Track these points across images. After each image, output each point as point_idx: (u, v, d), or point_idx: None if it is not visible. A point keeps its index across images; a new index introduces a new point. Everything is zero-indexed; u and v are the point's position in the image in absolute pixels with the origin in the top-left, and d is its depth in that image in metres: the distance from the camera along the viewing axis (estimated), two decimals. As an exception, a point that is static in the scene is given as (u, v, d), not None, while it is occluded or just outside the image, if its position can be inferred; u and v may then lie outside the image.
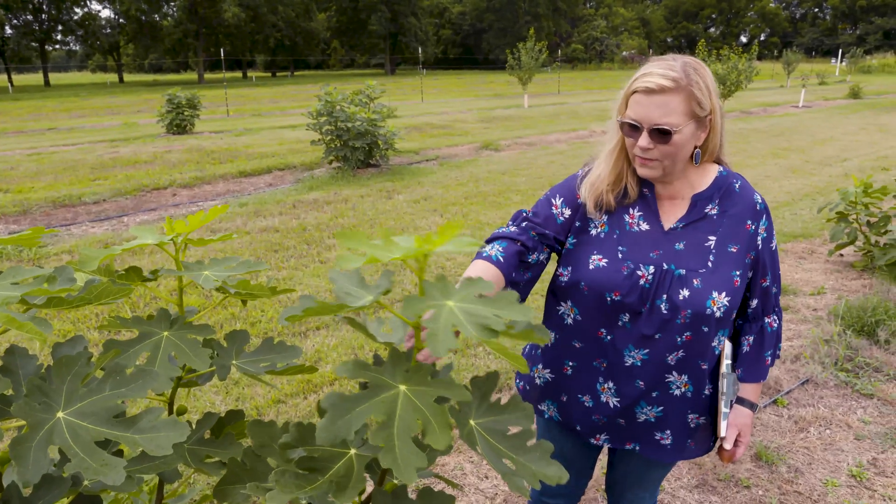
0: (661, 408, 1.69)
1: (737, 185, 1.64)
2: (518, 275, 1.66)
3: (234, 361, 1.45)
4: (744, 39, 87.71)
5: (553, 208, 1.70)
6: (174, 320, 1.37)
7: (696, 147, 1.56)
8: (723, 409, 1.69)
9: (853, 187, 5.60)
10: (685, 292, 1.57)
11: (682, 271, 1.58)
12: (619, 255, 1.62)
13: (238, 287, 1.38)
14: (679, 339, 1.60)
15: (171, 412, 1.55)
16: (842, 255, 6.16)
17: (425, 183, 9.53)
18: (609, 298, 1.61)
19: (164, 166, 11.09)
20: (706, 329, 1.59)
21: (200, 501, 1.90)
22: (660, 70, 1.48)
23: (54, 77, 69.54)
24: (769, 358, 1.72)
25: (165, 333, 1.32)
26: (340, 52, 74.32)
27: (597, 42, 72.82)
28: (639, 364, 1.64)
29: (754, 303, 1.68)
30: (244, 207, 8.13)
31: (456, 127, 16.63)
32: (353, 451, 1.04)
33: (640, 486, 1.94)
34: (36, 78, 65.84)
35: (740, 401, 1.71)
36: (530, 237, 1.68)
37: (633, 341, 1.63)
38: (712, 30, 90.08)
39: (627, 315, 1.62)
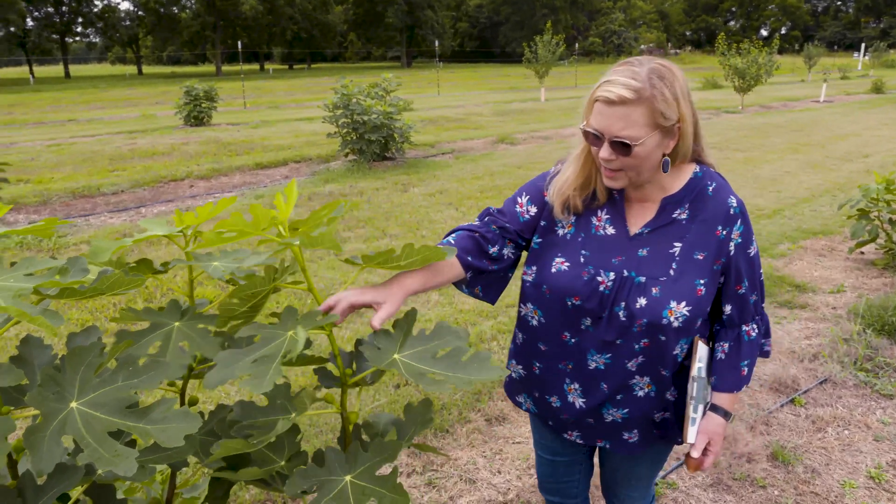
0: (627, 409, 1.67)
1: (710, 189, 1.56)
2: (477, 260, 1.62)
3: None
4: (764, 33, 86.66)
5: (518, 206, 1.68)
6: (185, 311, 1.37)
7: (664, 155, 1.49)
8: (691, 413, 1.62)
9: (875, 184, 5.51)
10: (642, 301, 1.52)
11: (643, 279, 1.54)
12: (582, 260, 1.59)
13: (246, 280, 1.38)
14: (637, 346, 1.57)
15: (182, 403, 1.56)
16: (862, 252, 6.07)
17: (441, 176, 9.52)
18: (570, 303, 1.59)
19: (182, 158, 11.16)
20: (663, 338, 1.55)
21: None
22: (622, 79, 1.40)
23: (74, 69, 70.19)
24: (745, 368, 1.64)
25: (176, 324, 1.32)
26: (357, 45, 74.36)
27: (614, 35, 72.27)
28: (602, 368, 1.62)
29: (728, 308, 1.61)
30: (260, 200, 8.17)
31: (472, 120, 16.59)
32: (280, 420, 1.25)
33: (629, 485, 1.92)
34: (56, 70, 66.47)
35: (714, 408, 1.64)
36: (490, 230, 1.66)
37: (595, 346, 1.60)
38: (732, 23, 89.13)
39: (589, 319, 1.59)
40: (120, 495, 1.43)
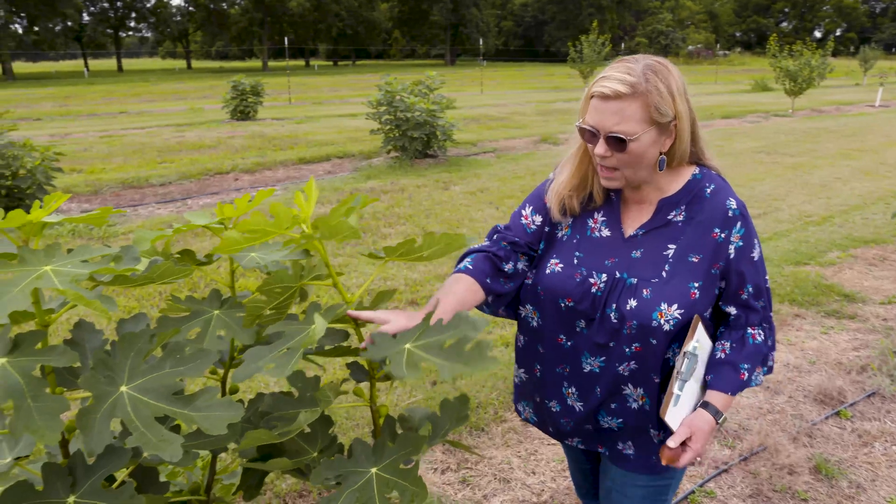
0: (621, 419, 1.63)
1: (708, 190, 1.53)
2: (497, 284, 1.61)
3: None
4: (818, 35, 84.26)
5: (523, 219, 1.68)
6: (225, 300, 1.41)
7: (660, 153, 1.48)
8: (675, 390, 1.51)
9: (932, 192, 5.32)
10: (633, 302, 1.50)
11: (634, 280, 1.52)
12: (575, 261, 1.59)
13: (272, 276, 1.39)
14: (628, 349, 1.54)
15: (224, 391, 1.60)
16: (916, 262, 5.87)
17: (482, 175, 9.51)
18: (563, 304, 1.58)
19: (228, 151, 11.38)
20: (654, 341, 1.51)
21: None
22: (617, 74, 1.40)
23: (127, 63, 72.08)
24: (745, 371, 1.55)
25: (216, 312, 1.35)
26: (401, 42, 74.74)
27: (662, 36, 71.15)
28: (597, 371, 1.60)
29: (732, 310, 1.56)
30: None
31: (514, 119, 16.53)
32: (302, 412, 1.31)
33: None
34: (110, 63, 68.36)
35: (704, 405, 1.54)
36: (501, 247, 1.65)
37: (589, 348, 1.59)
38: (784, 24, 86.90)
39: (583, 321, 1.58)
40: (162, 478, 1.47)
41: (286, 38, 27.40)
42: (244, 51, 67.05)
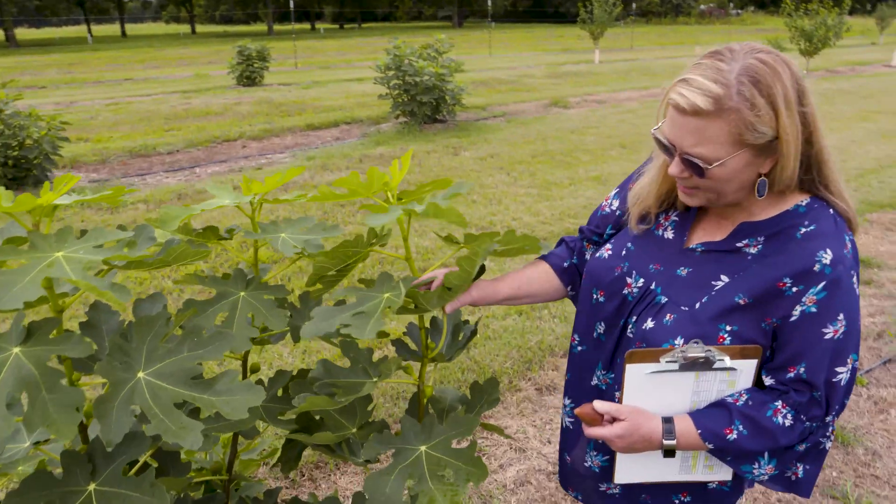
0: (607, 457, 1.42)
1: (803, 230, 1.20)
2: (572, 271, 1.56)
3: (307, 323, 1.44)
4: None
5: (602, 207, 1.54)
6: (250, 280, 1.38)
7: (759, 175, 1.19)
8: (662, 361, 1.24)
9: (953, 155, 5.21)
10: (650, 323, 1.28)
11: (664, 299, 1.29)
12: (624, 252, 1.40)
13: (319, 255, 1.36)
14: None
15: (245, 369, 1.58)
16: (934, 227, 5.78)
17: (492, 140, 9.40)
18: (594, 297, 1.40)
19: (235, 118, 11.28)
20: None
21: (271, 454, 1.94)
22: (701, 80, 1.11)
23: (130, 28, 71.33)
24: (736, 434, 1.22)
25: (242, 294, 1.33)
26: (408, 4, 73.50)
27: (673, -6, 69.63)
28: (603, 388, 1.41)
29: (768, 381, 1.25)
30: (312, 161, 8.21)
31: (524, 82, 16.29)
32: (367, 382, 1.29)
33: None
34: (113, 28, 67.68)
35: (667, 420, 1.25)
36: (579, 243, 1.58)
37: (603, 359, 1.39)
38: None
39: (603, 326, 1.39)
40: (182, 457, 1.46)
41: (291, 1, 26.95)
42: (249, 14, 66.17)
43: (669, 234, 1.37)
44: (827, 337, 1.17)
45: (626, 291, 1.35)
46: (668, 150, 1.20)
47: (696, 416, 1.25)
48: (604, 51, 24.37)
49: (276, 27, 60.30)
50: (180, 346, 1.14)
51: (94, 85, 17.49)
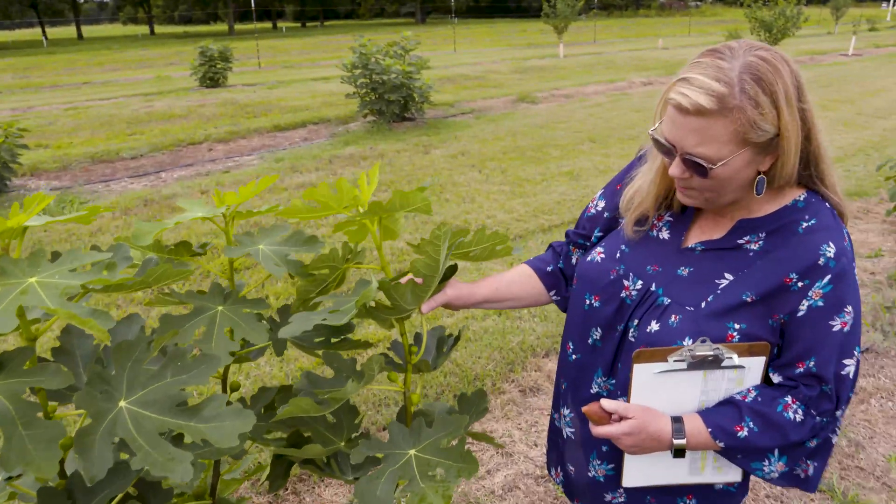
0: (612, 465, 1.38)
1: (804, 225, 1.20)
2: (556, 276, 1.54)
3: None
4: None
5: (589, 209, 1.50)
6: (227, 294, 1.32)
7: (759, 173, 1.17)
8: (670, 360, 1.22)
9: (916, 143, 5.31)
10: (655, 326, 1.24)
11: (667, 300, 1.25)
12: (618, 255, 1.35)
13: (299, 267, 1.32)
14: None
15: (224, 387, 1.52)
16: (899, 214, 5.90)
17: (462, 137, 9.36)
18: (588, 302, 1.36)
19: (199, 120, 11.06)
20: None
21: (256, 471, 1.88)
22: (703, 79, 1.08)
23: (87, 30, 69.68)
24: (747, 431, 1.19)
25: (220, 308, 1.27)
26: (370, 1, 73.07)
27: (634, -12, 70.34)
28: (605, 394, 1.36)
29: (776, 378, 1.23)
30: (280, 163, 8.08)
31: (490, 78, 16.28)
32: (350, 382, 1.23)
33: None
34: (69, 31, 66.07)
35: (676, 419, 1.23)
36: (565, 247, 1.55)
37: (603, 365, 1.34)
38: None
39: (599, 331, 1.34)
40: (164, 483, 1.40)
41: (252, 0, 26.58)
42: (209, 14, 65.12)
43: (665, 235, 1.33)
44: (835, 330, 1.16)
45: (623, 294, 1.31)
46: (669, 150, 1.17)
47: (705, 414, 1.23)
48: (568, 45, 24.50)
49: (238, 26, 59.45)
50: (163, 372, 1.08)
51: (50, 89, 17.02)
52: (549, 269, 1.53)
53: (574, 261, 1.51)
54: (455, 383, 3.33)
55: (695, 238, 1.30)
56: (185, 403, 1.06)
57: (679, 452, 1.22)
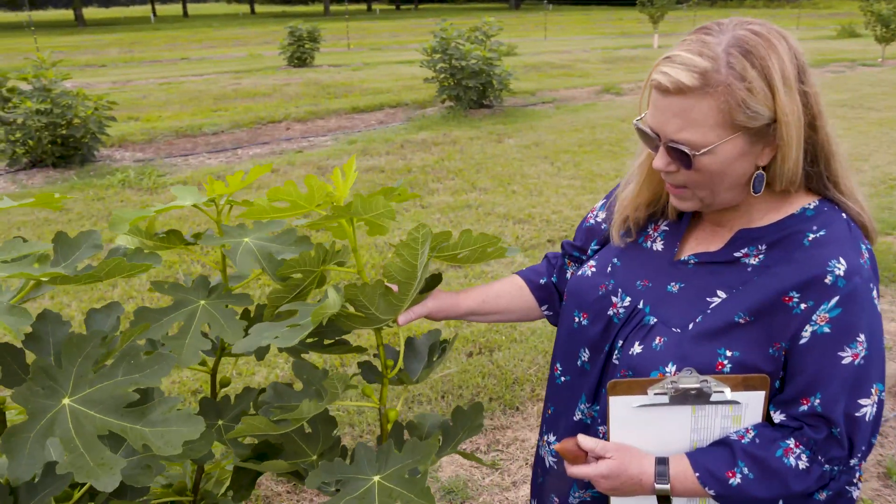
0: (598, 493, 1.22)
1: (811, 236, 1.04)
2: (548, 289, 1.42)
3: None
4: (915, -25, 77.85)
5: (587, 221, 1.38)
6: (213, 288, 1.26)
7: (757, 167, 1.03)
8: (650, 393, 1.06)
9: None
10: (638, 348, 1.11)
11: (653, 320, 1.12)
12: (609, 269, 1.23)
13: (291, 262, 1.23)
14: None
15: (213, 383, 1.46)
16: None
17: (538, 127, 9.14)
18: (576, 320, 1.23)
19: (281, 99, 11.29)
20: None
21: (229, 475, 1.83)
22: (685, 54, 0.97)
23: (193, 8, 72.79)
24: (740, 478, 1.04)
25: (202, 302, 1.21)
26: (465, -15, 72.88)
27: (741, -24, 67.03)
28: (587, 422, 1.22)
29: (778, 417, 1.06)
30: (353, 145, 8.12)
31: (577, 67, 15.87)
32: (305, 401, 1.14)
33: None
34: (176, 8, 69.17)
35: (661, 461, 1.08)
36: (561, 259, 1.43)
37: (587, 390, 1.21)
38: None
39: (587, 353, 1.21)
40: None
41: (347, -18, 26.95)
42: (307, -5, 66.71)
43: (659, 246, 1.20)
44: (845, 362, 0.99)
45: (611, 312, 1.18)
46: (653, 139, 1.05)
47: (694, 456, 1.07)
48: (663, 35, 23.57)
49: (333, 7, 60.59)
50: (114, 370, 1.02)
51: (151, 64, 17.82)
52: (541, 281, 1.41)
53: (569, 275, 1.38)
54: (493, 385, 3.21)
55: (689, 250, 1.16)
56: (135, 404, 1.00)
57: (663, 500, 1.07)
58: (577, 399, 1.24)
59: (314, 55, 16.04)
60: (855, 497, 1.07)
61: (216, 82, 13.31)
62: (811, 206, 1.07)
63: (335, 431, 1.35)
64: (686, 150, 0.99)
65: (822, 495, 1.04)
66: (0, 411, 1.09)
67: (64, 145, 7.00)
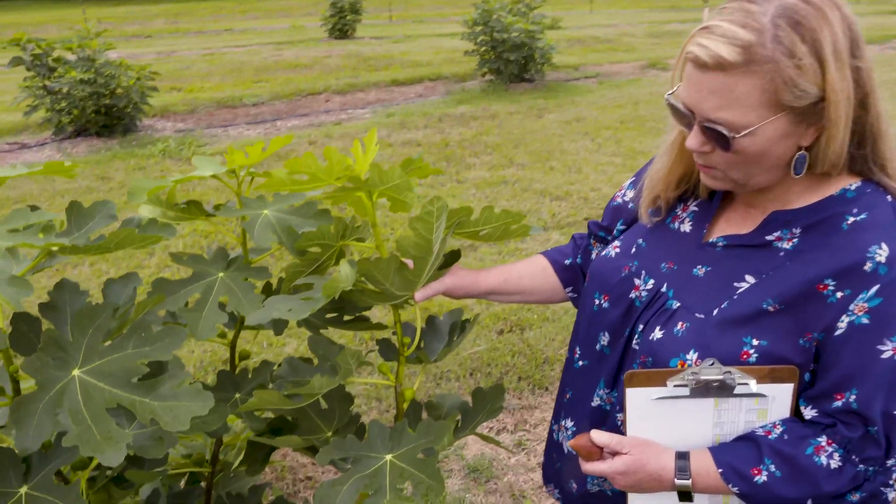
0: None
1: (850, 220, 0.96)
2: (574, 270, 1.38)
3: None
4: None
5: (614, 200, 1.32)
6: (232, 260, 1.24)
7: (800, 148, 0.95)
8: (669, 384, 1.01)
9: None
10: (658, 333, 1.06)
11: (676, 304, 1.07)
12: (633, 250, 1.17)
13: (307, 237, 1.20)
14: None
15: (232, 356, 1.46)
16: None
17: (580, 103, 8.95)
18: (597, 302, 1.18)
19: (322, 71, 11.27)
20: None
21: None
22: (726, 26, 0.89)
23: (238, -22, 73.08)
24: (766, 475, 0.98)
25: (221, 274, 1.19)
26: (511, -43, 71.67)
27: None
28: (606, 409, 1.17)
29: (809, 413, 1.00)
30: (391, 118, 8.08)
31: (622, 41, 15.47)
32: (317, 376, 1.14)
33: None
34: (222, -21, 69.55)
35: (681, 456, 1.03)
36: (588, 235, 1.39)
37: (606, 376, 1.16)
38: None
39: (607, 337, 1.15)
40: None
41: (390, -47, 26.67)
42: (351, -34, 66.39)
43: (687, 227, 1.13)
44: (884, 356, 0.92)
45: (633, 295, 1.13)
46: (686, 117, 0.97)
47: (717, 451, 1.03)
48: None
49: (377, -21, 60.14)
50: (125, 342, 1.02)
51: (195, 35, 17.98)
52: (566, 262, 1.37)
53: (594, 256, 1.33)
54: (522, 364, 3.17)
55: (719, 231, 1.10)
56: (146, 377, 0.99)
57: (684, 495, 1.02)
58: (595, 384, 1.19)
59: (355, 27, 15.96)
60: (890, 499, 1.01)
61: (258, 53, 13.36)
62: (852, 188, 0.99)
63: (352, 408, 1.34)
64: (724, 132, 0.92)
65: (856, 496, 0.99)
66: (14, 380, 1.09)
67: (107, 115, 7.12)
